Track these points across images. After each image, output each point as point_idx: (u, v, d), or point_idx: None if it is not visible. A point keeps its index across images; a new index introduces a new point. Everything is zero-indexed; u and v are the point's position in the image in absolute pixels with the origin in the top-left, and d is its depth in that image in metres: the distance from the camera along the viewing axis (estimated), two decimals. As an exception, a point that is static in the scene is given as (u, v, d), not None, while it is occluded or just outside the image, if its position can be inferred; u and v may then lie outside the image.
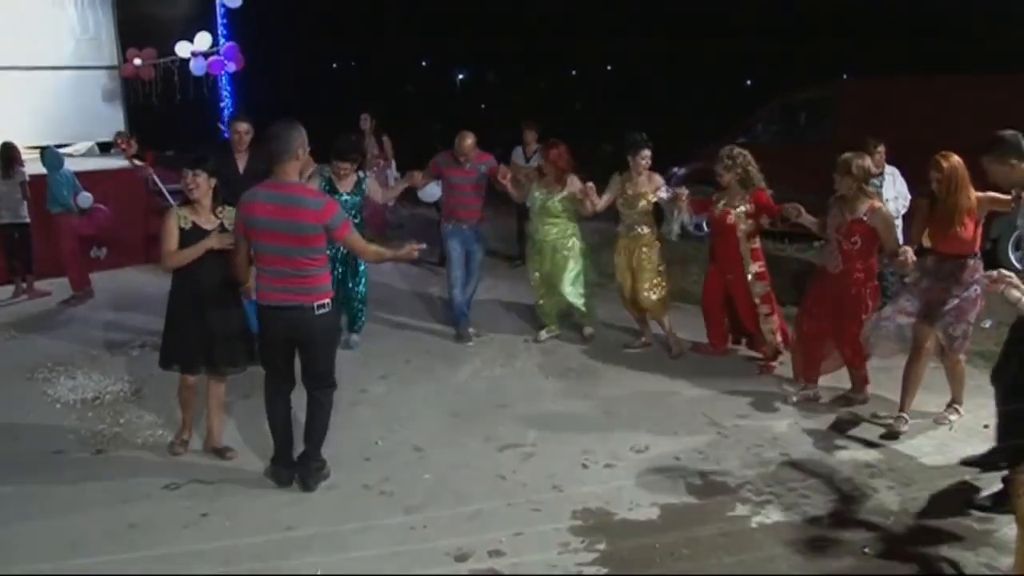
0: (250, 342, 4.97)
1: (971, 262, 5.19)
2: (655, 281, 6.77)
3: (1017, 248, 9.10)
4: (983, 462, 4.81)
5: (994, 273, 4.00)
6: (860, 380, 5.88)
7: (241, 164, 6.51)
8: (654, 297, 6.79)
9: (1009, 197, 4.88)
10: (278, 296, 4.45)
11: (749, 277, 6.41)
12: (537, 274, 7.16)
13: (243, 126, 6.62)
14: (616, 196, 6.79)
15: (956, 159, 5.09)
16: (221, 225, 4.80)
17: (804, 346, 5.96)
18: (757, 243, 6.47)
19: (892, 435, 5.34)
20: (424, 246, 4.90)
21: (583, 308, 7.09)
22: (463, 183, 7.09)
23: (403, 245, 4.89)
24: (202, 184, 4.74)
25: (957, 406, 5.51)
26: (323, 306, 4.47)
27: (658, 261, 6.79)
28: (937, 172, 5.16)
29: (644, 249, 6.75)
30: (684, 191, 6.62)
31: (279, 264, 4.41)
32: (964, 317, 5.23)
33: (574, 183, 6.78)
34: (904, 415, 5.41)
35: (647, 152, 6.65)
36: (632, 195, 6.70)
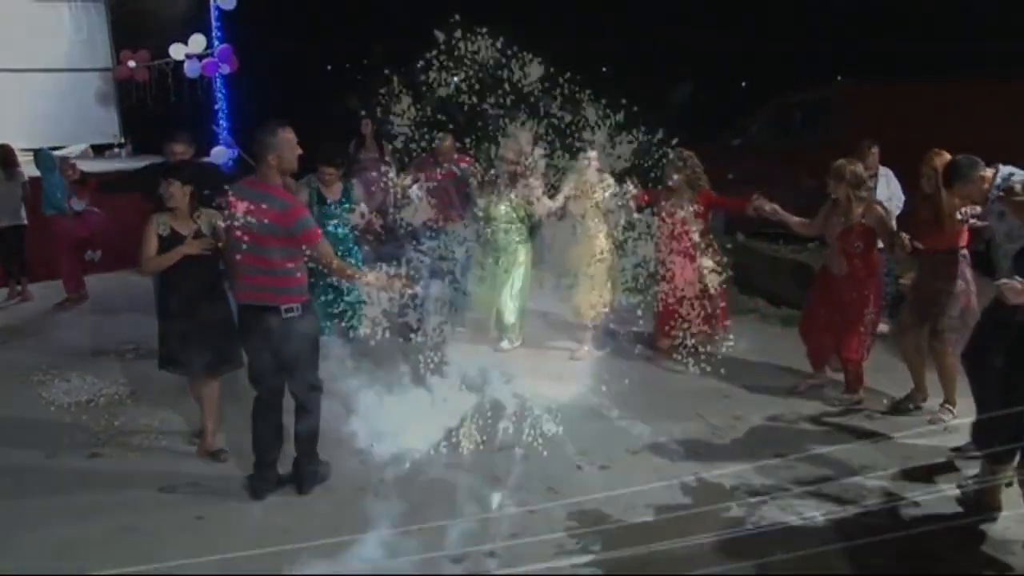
0: (238, 341, 5.01)
1: (958, 257, 5.37)
2: (587, 281, 6.76)
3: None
4: (964, 450, 4.95)
5: (1017, 284, 4.01)
6: (855, 379, 5.91)
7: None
8: (582, 292, 6.78)
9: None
10: (250, 295, 4.50)
11: (706, 271, 6.55)
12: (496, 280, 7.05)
13: (179, 147, 6.08)
14: (569, 196, 6.82)
15: (948, 156, 5.20)
16: (198, 230, 4.90)
17: (809, 343, 6.13)
18: (710, 239, 6.69)
19: (900, 410, 5.65)
20: (412, 290, 4.90)
21: (510, 322, 7.03)
22: (440, 184, 7.07)
23: (391, 273, 4.83)
24: (176, 192, 4.87)
25: (949, 406, 5.53)
26: (291, 309, 4.43)
27: (598, 261, 6.76)
28: (930, 169, 5.35)
29: (594, 248, 6.76)
30: (636, 191, 6.71)
31: (251, 261, 4.42)
32: (949, 311, 5.37)
33: (522, 184, 6.76)
34: (918, 393, 5.69)
35: (592, 153, 6.71)
36: (581, 195, 6.75)
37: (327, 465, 4.84)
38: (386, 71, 5.94)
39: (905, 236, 5.36)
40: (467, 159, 7.18)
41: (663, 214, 6.57)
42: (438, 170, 7.05)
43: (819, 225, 5.98)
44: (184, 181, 4.89)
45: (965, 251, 5.41)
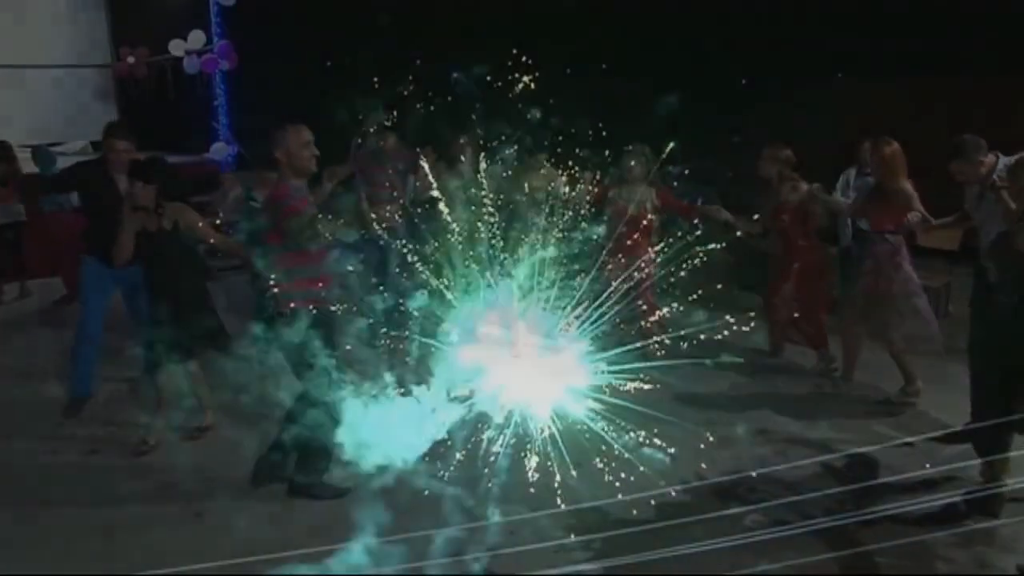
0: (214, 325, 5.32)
1: (892, 240, 5.69)
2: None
3: None
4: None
5: None
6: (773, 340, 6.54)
7: (123, 186, 5.51)
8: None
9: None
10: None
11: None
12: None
13: (121, 143, 5.64)
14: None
15: (896, 146, 5.61)
16: (162, 224, 5.13)
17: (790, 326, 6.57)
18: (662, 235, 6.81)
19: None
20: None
21: None
22: (382, 179, 7.02)
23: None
24: (139, 191, 5.06)
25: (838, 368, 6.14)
26: (282, 313, 4.35)
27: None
28: (877, 156, 5.69)
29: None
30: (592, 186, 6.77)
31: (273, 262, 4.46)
32: (875, 290, 5.69)
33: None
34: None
35: (542, 157, 6.85)
36: (535, 188, 6.75)
37: (324, 488, 4.70)
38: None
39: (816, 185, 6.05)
40: (410, 155, 7.11)
41: (617, 207, 6.60)
42: (379, 166, 6.97)
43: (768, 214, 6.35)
44: (146, 180, 5.05)
45: (899, 236, 5.71)
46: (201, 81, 12.48)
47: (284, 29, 11.97)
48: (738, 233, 6.33)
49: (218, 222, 5.77)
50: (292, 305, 4.38)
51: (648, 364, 4.69)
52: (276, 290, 4.39)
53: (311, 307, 4.41)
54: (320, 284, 4.48)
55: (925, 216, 5.56)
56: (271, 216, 4.39)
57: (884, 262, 5.68)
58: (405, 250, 6.34)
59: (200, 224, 5.25)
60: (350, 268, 4.82)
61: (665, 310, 6.44)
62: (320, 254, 4.50)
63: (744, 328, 6.66)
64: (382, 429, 4.74)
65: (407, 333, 5.40)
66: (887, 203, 5.65)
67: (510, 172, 6.67)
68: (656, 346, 6.38)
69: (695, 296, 6.04)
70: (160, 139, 12.27)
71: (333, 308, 4.55)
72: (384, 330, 5.40)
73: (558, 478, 4.75)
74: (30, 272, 8.98)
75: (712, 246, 5.40)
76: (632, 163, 6.65)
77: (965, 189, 5.23)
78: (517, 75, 5.89)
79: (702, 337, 5.66)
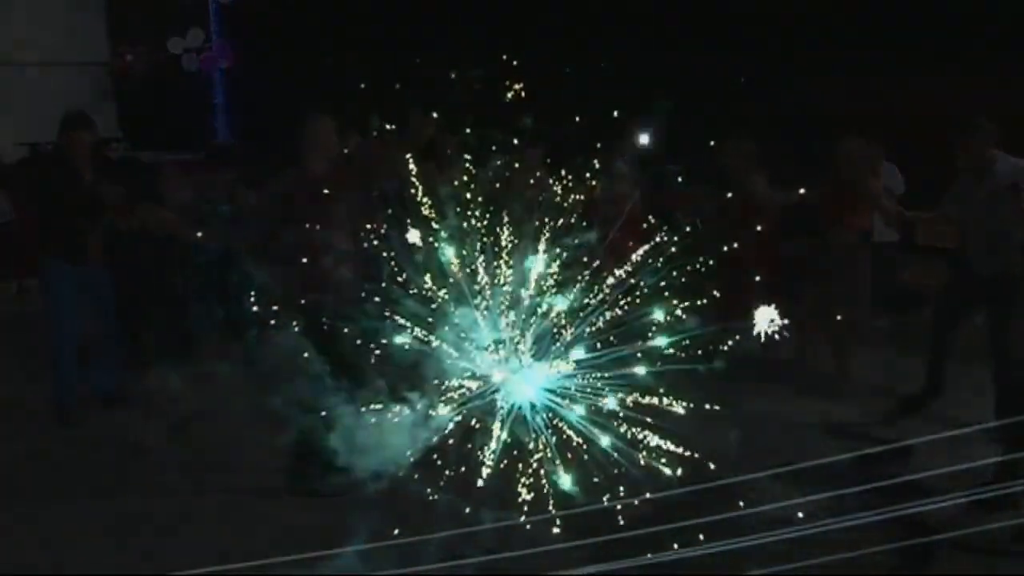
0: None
1: (852, 238, 5.80)
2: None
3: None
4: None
5: None
6: None
7: (86, 178, 5.31)
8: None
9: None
10: None
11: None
12: None
13: (83, 134, 5.30)
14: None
15: (864, 142, 5.73)
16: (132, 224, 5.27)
17: None
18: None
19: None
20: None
21: None
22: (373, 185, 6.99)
23: None
24: (110, 192, 5.16)
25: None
26: (294, 302, 4.42)
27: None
28: (841, 155, 5.75)
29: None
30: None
31: None
32: (839, 291, 5.81)
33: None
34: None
35: (535, 152, 6.82)
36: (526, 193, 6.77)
37: (325, 487, 4.62)
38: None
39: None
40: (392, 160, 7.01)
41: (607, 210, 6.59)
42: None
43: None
44: (117, 180, 5.13)
45: (856, 236, 5.80)
46: (199, 79, 12.49)
47: (282, 27, 11.98)
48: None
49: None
50: (309, 295, 4.47)
51: (644, 368, 4.65)
52: (290, 282, 4.45)
53: (325, 297, 4.51)
54: (331, 278, 4.56)
55: (900, 211, 5.62)
56: (294, 201, 4.51)
57: (844, 260, 5.73)
58: (390, 259, 6.33)
59: (176, 223, 5.25)
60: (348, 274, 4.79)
61: (662, 313, 6.45)
62: (330, 248, 4.55)
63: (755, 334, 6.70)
64: (378, 434, 4.75)
65: (400, 340, 5.40)
66: (849, 201, 5.67)
67: (500, 182, 6.67)
68: (652, 349, 6.39)
69: (695, 300, 6.04)
70: (159, 137, 12.29)
71: (340, 305, 4.55)
72: (376, 339, 5.39)
73: (555, 481, 4.76)
74: (27, 270, 8.96)
75: (721, 247, 5.42)
76: (621, 166, 6.62)
77: (960, 176, 5.19)
78: (510, 80, 5.88)
79: (699, 348, 5.68)
